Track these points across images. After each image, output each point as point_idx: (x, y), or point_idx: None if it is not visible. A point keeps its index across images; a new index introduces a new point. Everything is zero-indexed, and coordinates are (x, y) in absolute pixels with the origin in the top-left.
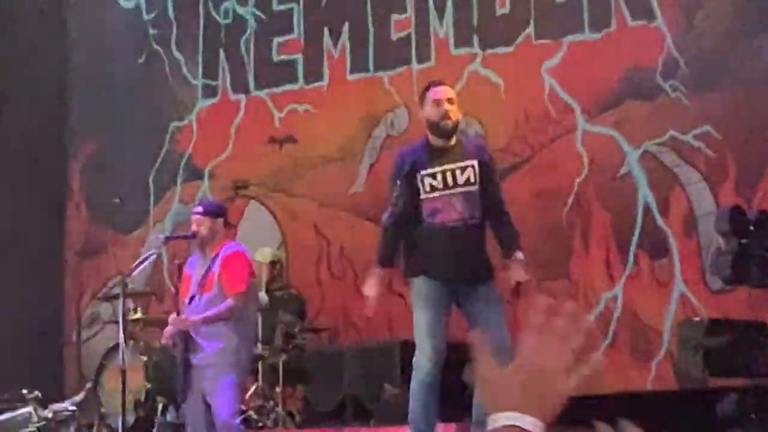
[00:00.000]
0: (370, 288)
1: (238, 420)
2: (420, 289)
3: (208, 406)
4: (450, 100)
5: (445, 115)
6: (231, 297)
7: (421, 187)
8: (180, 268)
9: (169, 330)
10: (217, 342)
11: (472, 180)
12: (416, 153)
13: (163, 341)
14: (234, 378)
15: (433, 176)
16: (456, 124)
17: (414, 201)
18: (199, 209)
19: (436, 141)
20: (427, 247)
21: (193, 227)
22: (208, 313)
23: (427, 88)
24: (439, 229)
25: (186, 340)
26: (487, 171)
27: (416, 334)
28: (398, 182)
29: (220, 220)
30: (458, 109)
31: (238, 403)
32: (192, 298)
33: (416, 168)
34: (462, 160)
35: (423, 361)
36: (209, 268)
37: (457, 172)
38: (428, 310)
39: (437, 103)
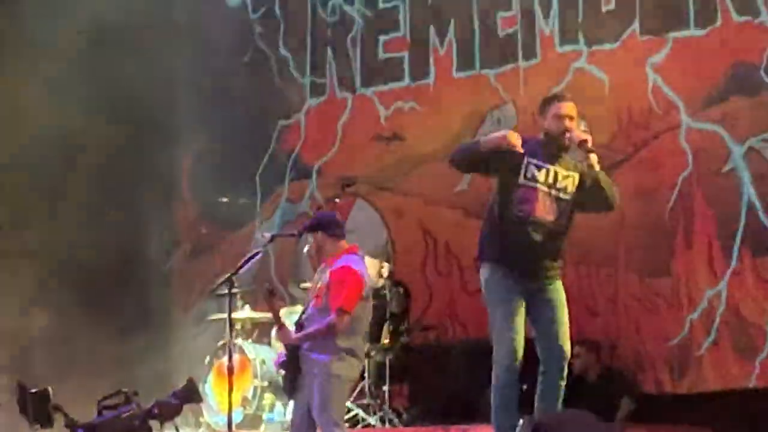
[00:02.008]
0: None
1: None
2: (496, 281)
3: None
4: (572, 118)
5: (565, 132)
6: (334, 313)
7: (522, 172)
8: (271, 293)
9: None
10: (325, 355)
11: (570, 189)
12: (532, 143)
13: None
14: (337, 392)
15: (539, 168)
16: (572, 142)
17: (509, 181)
18: (301, 227)
19: (548, 148)
20: (507, 235)
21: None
22: (310, 330)
23: (551, 100)
24: (523, 219)
25: (294, 348)
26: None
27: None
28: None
29: (320, 233)
30: (578, 126)
31: (339, 417)
32: (306, 308)
33: (527, 152)
34: (568, 169)
35: (503, 355)
36: (321, 279)
37: (560, 176)
38: (505, 304)
39: (559, 117)
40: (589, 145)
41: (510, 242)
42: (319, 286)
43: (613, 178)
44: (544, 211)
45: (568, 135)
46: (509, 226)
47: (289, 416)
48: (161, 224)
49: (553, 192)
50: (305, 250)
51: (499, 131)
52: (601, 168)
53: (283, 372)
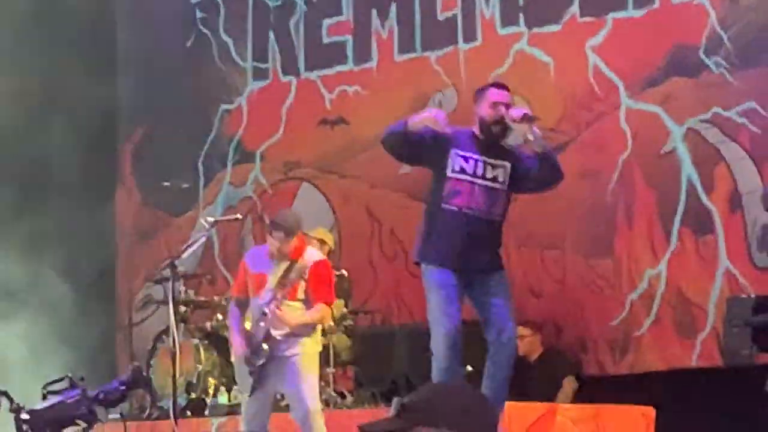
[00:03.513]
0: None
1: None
2: (432, 273)
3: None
4: (507, 106)
5: (500, 120)
6: (322, 305)
7: (450, 165)
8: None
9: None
10: (304, 337)
11: (501, 179)
12: (460, 134)
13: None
14: (315, 369)
15: (466, 159)
16: (506, 131)
17: (439, 174)
18: (281, 234)
19: (481, 135)
20: (441, 230)
21: (279, 249)
22: (306, 320)
23: (485, 88)
24: (455, 212)
25: (267, 337)
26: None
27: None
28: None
29: (296, 231)
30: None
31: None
32: (274, 296)
33: (454, 145)
34: (498, 158)
35: (440, 341)
36: (291, 273)
37: (490, 166)
38: (440, 292)
39: (494, 105)
40: (530, 115)
41: (445, 235)
42: (292, 278)
43: (558, 160)
44: (475, 202)
45: (507, 116)
46: (443, 219)
47: (233, 401)
48: (103, 210)
49: (484, 182)
50: (277, 248)
51: (425, 111)
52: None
53: (252, 364)
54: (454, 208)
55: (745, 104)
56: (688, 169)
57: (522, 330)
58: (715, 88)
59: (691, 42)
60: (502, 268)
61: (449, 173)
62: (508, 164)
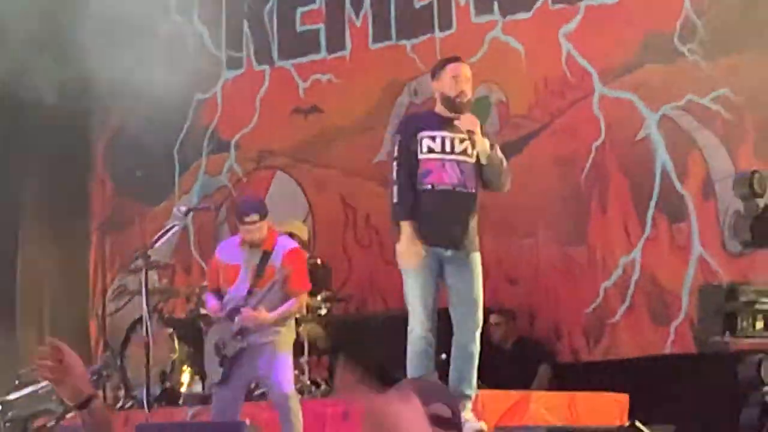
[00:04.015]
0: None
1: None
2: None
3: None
4: (467, 79)
5: (462, 92)
6: (300, 294)
7: (419, 148)
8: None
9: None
10: (277, 325)
11: (469, 152)
12: (421, 117)
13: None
14: (290, 355)
15: (433, 139)
16: (469, 102)
17: (411, 161)
18: (255, 217)
19: (444, 112)
20: (421, 209)
21: (253, 236)
22: (283, 311)
23: (445, 63)
24: (429, 191)
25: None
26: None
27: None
28: (399, 138)
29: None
30: (472, 88)
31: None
32: (250, 291)
33: (418, 129)
34: (463, 132)
35: (416, 324)
36: (265, 262)
37: (457, 140)
38: (417, 275)
39: (456, 79)
40: (477, 131)
41: (422, 214)
42: (267, 268)
43: (531, 147)
44: (449, 177)
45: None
46: (419, 198)
47: (207, 390)
48: (77, 201)
49: (453, 157)
50: (249, 232)
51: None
52: (494, 150)
53: (223, 354)
54: (428, 187)
55: (718, 91)
56: (663, 156)
57: (496, 317)
58: (689, 75)
59: (666, 29)
60: (477, 251)
61: (420, 156)
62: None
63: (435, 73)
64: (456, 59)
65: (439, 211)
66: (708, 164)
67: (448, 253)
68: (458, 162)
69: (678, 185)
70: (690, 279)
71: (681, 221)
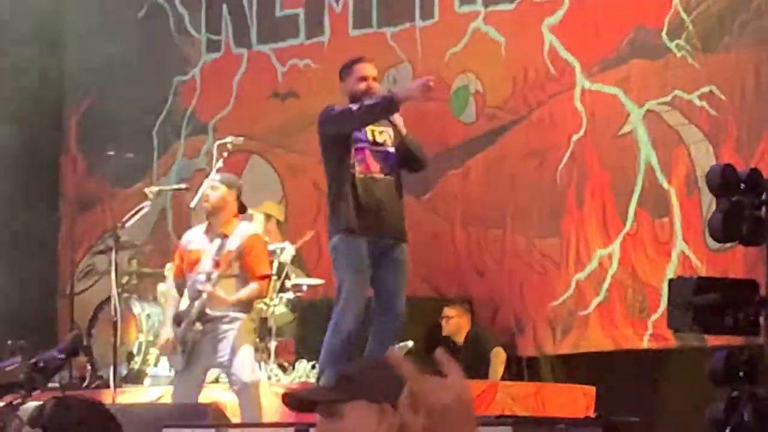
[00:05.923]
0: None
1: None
2: (346, 245)
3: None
4: (375, 78)
5: (370, 89)
6: (261, 279)
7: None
8: None
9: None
10: (239, 312)
11: (389, 143)
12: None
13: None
14: (251, 343)
15: (360, 131)
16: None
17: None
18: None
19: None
20: (350, 198)
21: (206, 191)
22: (241, 295)
23: (352, 64)
24: (361, 178)
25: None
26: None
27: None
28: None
29: (234, 191)
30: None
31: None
32: (209, 276)
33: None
34: (381, 126)
35: (350, 319)
36: (224, 246)
37: (376, 132)
38: (357, 272)
39: (363, 78)
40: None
41: (356, 203)
42: (224, 252)
43: (506, 138)
44: (375, 167)
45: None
46: (352, 186)
47: (173, 372)
48: (47, 179)
49: (376, 148)
50: (211, 194)
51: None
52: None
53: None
54: (362, 175)
55: (705, 88)
56: (647, 151)
57: (448, 311)
58: (677, 71)
59: (654, 25)
60: (405, 241)
61: (351, 146)
62: (390, 129)
63: (343, 74)
64: (361, 60)
65: (374, 202)
66: (692, 160)
67: (382, 243)
68: (381, 152)
69: (662, 180)
70: (672, 274)
71: (664, 216)
